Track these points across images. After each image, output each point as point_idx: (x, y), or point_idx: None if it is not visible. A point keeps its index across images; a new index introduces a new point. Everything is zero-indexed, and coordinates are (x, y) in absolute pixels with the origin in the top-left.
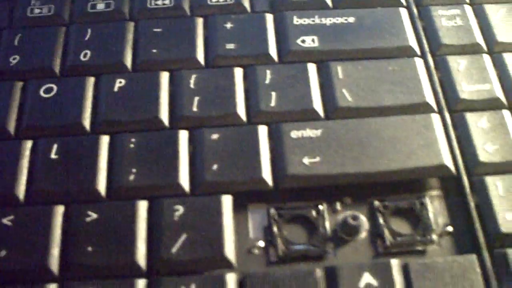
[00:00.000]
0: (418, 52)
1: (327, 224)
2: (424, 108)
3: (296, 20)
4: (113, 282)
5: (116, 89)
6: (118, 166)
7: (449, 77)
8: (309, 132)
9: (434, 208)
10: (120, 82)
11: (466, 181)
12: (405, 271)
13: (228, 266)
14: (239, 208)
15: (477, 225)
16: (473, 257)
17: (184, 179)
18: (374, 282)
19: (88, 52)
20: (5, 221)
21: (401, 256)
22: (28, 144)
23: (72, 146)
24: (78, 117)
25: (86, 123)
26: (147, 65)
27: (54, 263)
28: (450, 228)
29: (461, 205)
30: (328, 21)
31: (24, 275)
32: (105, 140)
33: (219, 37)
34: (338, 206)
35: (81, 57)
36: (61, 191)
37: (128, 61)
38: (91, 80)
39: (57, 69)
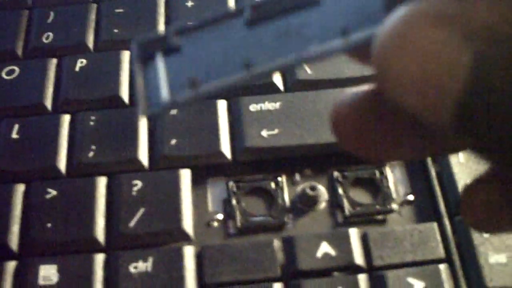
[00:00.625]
0: None
1: (286, 196)
2: None
3: None
4: (72, 257)
5: (77, 69)
6: (78, 143)
7: None
8: (268, 105)
9: (395, 178)
10: (82, 62)
11: None
12: (364, 240)
13: (186, 239)
14: (198, 182)
15: (438, 193)
16: (434, 225)
17: (143, 155)
18: (332, 251)
19: (51, 34)
20: None
21: (360, 225)
22: None
23: (34, 125)
24: (39, 97)
25: (48, 103)
26: (108, 45)
27: (13, 240)
28: (411, 197)
29: (422, 173)
30: None
31: None
32: (66, 118)
33: (179, 16)
34: (298, 177)
35: (44, 40)
36: (22, 170)
37: (90, 41)
38: (53, 61)
39: (19, 51)
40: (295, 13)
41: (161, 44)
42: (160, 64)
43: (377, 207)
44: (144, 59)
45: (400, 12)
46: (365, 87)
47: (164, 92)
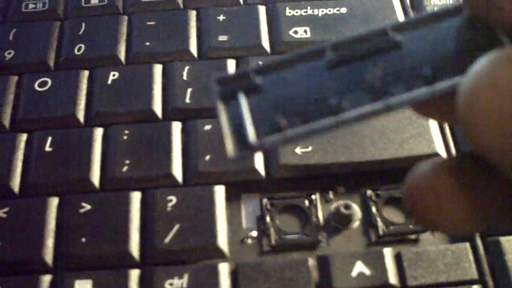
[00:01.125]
0: None
1: (320, 213)
2: None
3: (289, 11)
4: (107, 272)
5: (109, 81)
6: (111, 157)
7: None
8: None
9: None
10: (114, 75)
11: None
12: (398, 259)
13: (221, 255)
14: (232, 198)
15: None
16: (466, 245)
17: (177, 170)
18: (366, 270)
19: (82, 45)
20: (0, 213)
21: (394, 245)
22: (23, 137)
23: (66, 138)
24: (72, 109)
25: (80, 115)
26: (140, 57)
27: (48, 254)
28: None
29: None
30: (320, 11)
31: (19, 266)
32: (98, 132)
33: (211, 29)
34: (331, 195)
35: (75, 51)
36: (55, 183)
37: (122, 54)
38: (85, 73)
39: (51, 63)
40: (376, 56)
41: (241, 82)
42: (243, 103)
43: (410, 226)
44: (225, 97)
45: (487, 57)
46: (445, 157)
47: (251, 134)
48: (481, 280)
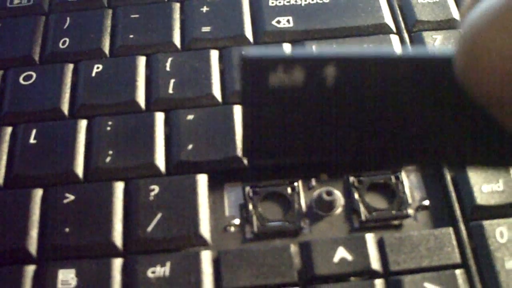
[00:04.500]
0: (394, 30)
1: (302, 201)
2: None
3: (271, 2)
4: (90, 261)
5: (94, 74)
6: (95, 148)
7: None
8: None
9: (410, 183)
10: (98, 68)
11: None
12: (381, 245)
13: (203, 243)
14: (215, 187)
15: (453, 198)
16: (449, 229)
17: (160, 160)
18: (348, 256)
19: (67, 39)
20: None
21: (376, 230)
22: (8, 130)
23: (51, 130)
24: (56, 102)
25: (65, 108)
26: (124, 50)
27: (32, 244)
28: (426, 202)
29: (437, 179)
30: (303, 1)
31: (3, 257)
32: (83, 123)
33: (195, 21)
34: (313, 182)
35: (60, 45)
36: (39, 174)
37: (106, 47)
38: (69, 67)
39: (36, 57)
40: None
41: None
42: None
43: (393, 212)
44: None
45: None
46: None
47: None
48: (464, 264)
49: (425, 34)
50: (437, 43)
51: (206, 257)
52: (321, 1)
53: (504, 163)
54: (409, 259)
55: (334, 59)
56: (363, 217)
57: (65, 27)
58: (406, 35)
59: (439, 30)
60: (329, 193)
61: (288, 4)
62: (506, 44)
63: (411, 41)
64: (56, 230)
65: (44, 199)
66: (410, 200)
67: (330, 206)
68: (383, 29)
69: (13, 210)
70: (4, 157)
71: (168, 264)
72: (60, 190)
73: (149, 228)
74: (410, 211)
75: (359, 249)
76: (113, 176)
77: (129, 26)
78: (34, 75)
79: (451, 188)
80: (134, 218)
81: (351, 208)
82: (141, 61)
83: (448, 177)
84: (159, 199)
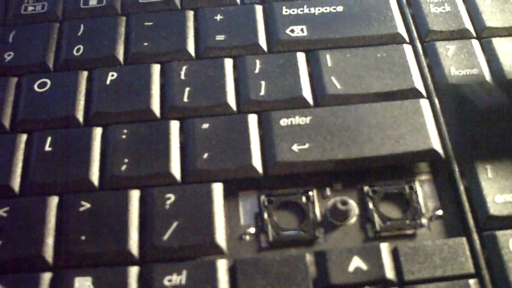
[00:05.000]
0: (407, 39)
1: (317, 210)
2: (413, 93)
3: (285, 10)
4: (106, 270)
5: (108, 82)
6: (110, 156)
7: (437, 62)
8: (298, 120)
9: (424, 192)
10: (113, 75)
11: (456, 165)
12: (395, 254)
13: (219, 252)
14: (230, 195)
15: (467, 208)
16: (463, 239)
17: (175, 168)
18: (363, 265)
19: (81, 47)
20: (1, 212)
21: (391, 240)
22: (23, 137)
23: (66, 138)
24: (71, 110)
25: (79, 115)
26: (139, 58)
27: (48, 252)
28: (440, 212)
29: (450, 189)
30: (316, 10)
31: (19, 264)
32: (97, 131)
33: (209, 29)
34: (328, 191)
35: (74, 52)
36: (55, 182)
37: (120, 54)
38: (84, 74)
39: (51, 64)
40: None
41: None
42: None
43: (407, 222)
44: None
45: None
46: None
47: None
48: (478, 274)
49: (438, 44)
50: (450, 53)
51: (222, 266)
52: (334, 10)
53: None
54: (423, 269)
55: None
56: (377, 227)
57: (79, 34)
58: (419, 45)
59: (452, 40)
60: (344, 203)
61: (301, 13)
62: None
63: (424, 51)
64: (72, 238)
65: (59, 207)
66: (423, 210)
67: (344, 215)
68: (396, 39)
69: (29, 217)
70: (20, 165)
71: (184, 273)
72: (75, 198)
73: (165, 237)
74: (424, 220)
75: (374, 259)
76: (128, 184)
77: (143, 33)
78: (49, 82)
79: (464, 198)
80: (150, 226)
81: (365, 218)
82: (156, 69)
83: (462, 187)
84: (175, 207)
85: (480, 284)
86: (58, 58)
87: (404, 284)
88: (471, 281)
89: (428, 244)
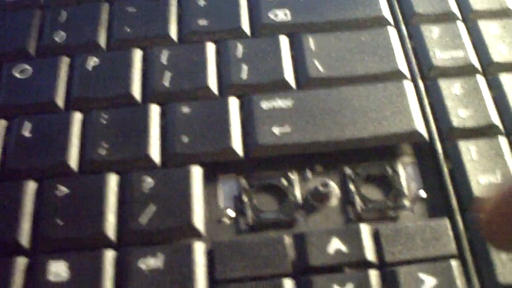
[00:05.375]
0: (392, 22)
1: (298, 192)
2: (397, 76)
3: None
4: (82, 254)
5: (89, 67)
6: (89, 141)
7: (422, 45)
8: (280, 103)
9: (407, 174)
10: (94, 61)
11: (439, 146)
12: (376, 236)
13: (196, 235)
14: (210, 179)
15: (450, 189)
16: (445, 221)
17: (154, 152)
18: (343, 247)
19: (63, 33)
20: None
21: (372, 222)
22: (2, 123)
23: (45, 123)
24: (51, 95)
25: (60, 101)
26: (121, 43)
27: (25, 237)
28: (423, 194)
29: (434, 170)
30: None
31: None
32: (77, 116)
33: (192, 14)
34: (309, 174)
35: (56, 38)
36: (33, 167)
37: (102, 40)
38: (65, 60)
39: (32, 50)
40: None
41: None
42: None
43: (389, 203)
44: None
45: None
46: None
47: None
48: (460, 256)
49: (423, 27)
50: (435, 36)
51: (200, 249)
52: None
53: None
54: (405, 250)
55: None
56: (358, 209)
57: (61, 20)
58: (403, 28)
59: (437, 23)
60: (325, 185)
61: None
62: None
63: (409, 34)
64: (49, 223)
65: (37, 192)
66: (406, 192)
67: (325, 197)
68: (380, 22)
69: (6, 202)
70: None
71: (161, 256)
72: (53, 182)
73: (143, 220)
74: (406, 202)
75: (354, 241)
76: (107, 169)
77: (125, 19)
78: (30, 68)
79: (448, 179)
80: (127, 210)
81: (346, 200)
82: (137, 54)
83: (445, 169)
84: (153, 191)
85: (462, 265)
86: (39, 44)
87: (384, 265)
88: (454, 262)
89: (410, 225)
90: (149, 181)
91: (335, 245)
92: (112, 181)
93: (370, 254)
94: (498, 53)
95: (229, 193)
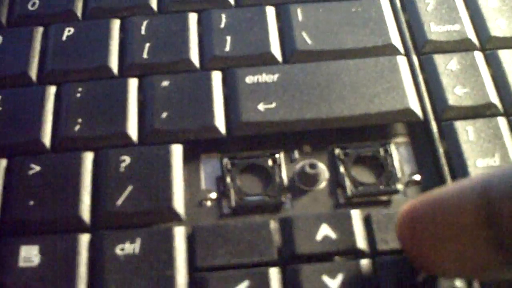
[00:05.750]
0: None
1: (284, 174)
2: (390, 50)
3: None
4: (55, 237)
5: (64, 38)
6: (64, 116)
7: (416, 17)
8: (265, 77)
9: (400, 156)
10: (69, 31)
11: (435, 126)
12: (367, 222)
13: (177, 218)
14: (190, 157)
15: (446, 172)
16: None
17: (132, 129)
18: (332, 234)
19: (37, 1)
20: None
21: (363, 207)
22: None
23: (17, 97)
24: (24, 67)
25: (33, 73)
26: (97, 13)
27: None
28: (417, 177)
29: (429, 152)
30: None
31: None
32: (51, 90)
33: None
34: (296, 154)
35: (29, 7)
36: (3, 144)
37: (78, 9)
38: (39, 30)
39: (4, 20)
40: None
41: None
42: None
43: (381, 187)
44: None
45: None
46: None
47: None
48: None
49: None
50: (430, 8)
51: (179, 233)
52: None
53: None
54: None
55: None
56: (348, 192)
57: None
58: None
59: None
60: (313, 166)
61: None
62: None
63: (402, 6)
64: (19, 203)
65: (8, 170)
66: (399, 175)
67: (313, 180)
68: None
69: None
70: None
71: (138, 241)
72: (25, 160)
73: (119, 202)
74: (400, 186)
75: (344, 227)
76: (82, 146)
77: None
78: (1, 38)
79: (443, 162)
80: (103, 190)
81: (336, 183)
82: (115, 24)
83: (441, 150)
84: (131, 170)
85: None
86: (11, 13)
87: (376, 254)
88: None
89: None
90: (126, 160)
91: (324, 231)
92: (87, 159)
93: (361, 241)
94: (497, 27)
95: (211, 173)
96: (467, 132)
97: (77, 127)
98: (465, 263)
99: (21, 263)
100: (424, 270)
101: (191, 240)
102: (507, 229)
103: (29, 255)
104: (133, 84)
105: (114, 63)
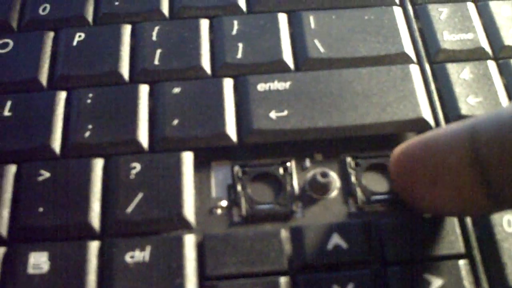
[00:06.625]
0: (397, 1)
1: (295, 182)
2: (402, 58)
3: None
4: (65, 244)
5: (75, 43)
6: (74, 122)
7: (429, 26)
8: (277, 85)
9: None
10: (80, 36)
11: None
12: (378, 232)
13: (187, 226)
14: (201, 165)
15: None
16: (454, 218)
17: (142, 136)
18: (343, 243)
19: (48, 6)
20: None
21: (375, 216)
22: None
23: (27, 102)
24: (34, 72)
25: (43, 79)
26: (109, 18)
27: (2, 225)
28: None
29: None
30: None
31: None
32: (61, 95)
33: None
34: (308, 163)
35: (40, 11)
36: (13, 149)
37: (90, 14)
38: (49, 35)
39: (14, 24)
40: None
41: None
42: None
43: (393, 196)
44: None
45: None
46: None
47: None
48: (468, 255)
49: (430, 6)
50: (443, 16)
51: (190, 242)
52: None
53: None
54: (409, 248)
55: None
56: (360, 202)
57: None
58: (410, 7)
59: (446, 3)
60: (324, 175)
61: None
62: None
63: (415, 14)
64: (29, 210)
65: (17, 176)
66: None
67: (324, 188)
68: (385, 1)
69: None
70: None
71: (148, 249)
72: (35, 166)
73: (129, 209)
74: None
75: (356, 236)
76: (92, 152)
77: None
78: (11, 43)
79: None
80: (113, 198)
81: (347, 192)
82: (126, 30)
83: None
84: (141, 177)
85: (471, 265)
86: (22, 18)
87: (387, 264)
88: (461, 262)
89: (415, 221)
90: (136, 167)
91: (335, 241)
92: (97, 166)
93: (372, 251)
94: (510, 36)
95: (222, 181)
96: None
97: (87, 133)
98: (455, 201)
99: (30, 270)
100: (416, 209)
101: (201, 249)
102: (493, 169)
103: (38, 262)
104: (144, 90)
105: (125, 69)
